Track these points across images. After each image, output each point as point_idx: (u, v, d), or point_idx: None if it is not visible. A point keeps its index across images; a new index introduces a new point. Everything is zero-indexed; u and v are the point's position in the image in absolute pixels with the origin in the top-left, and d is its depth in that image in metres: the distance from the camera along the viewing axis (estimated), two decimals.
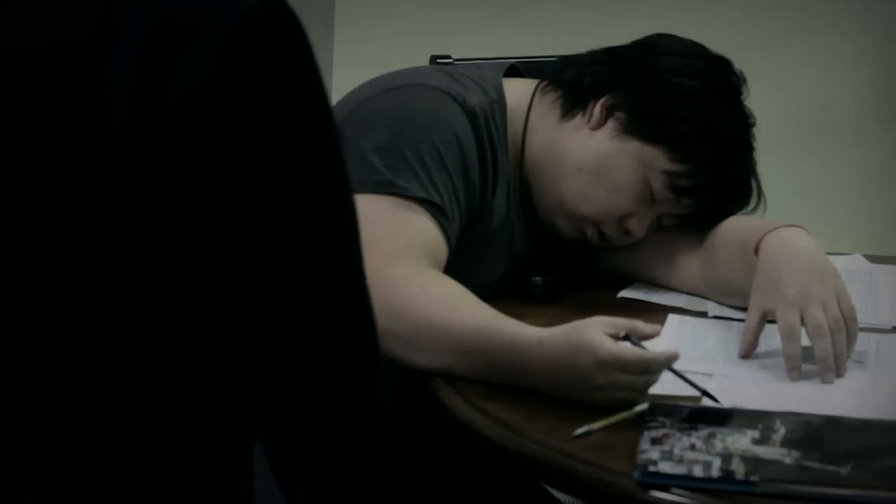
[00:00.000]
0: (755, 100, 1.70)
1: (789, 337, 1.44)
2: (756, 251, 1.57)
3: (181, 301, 0.85)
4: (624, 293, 1.75)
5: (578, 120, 1.66)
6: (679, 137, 1.63)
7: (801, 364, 1.42)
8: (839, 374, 1.43)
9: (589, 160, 1.64)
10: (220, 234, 0.84)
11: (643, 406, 1.29)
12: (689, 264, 1.72)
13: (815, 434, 1.22)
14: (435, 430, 1.48)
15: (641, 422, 1.25)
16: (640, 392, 1.31)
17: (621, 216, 1.66)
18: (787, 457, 1.17)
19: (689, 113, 1.63)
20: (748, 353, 1.49)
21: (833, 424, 1.25)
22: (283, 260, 0.87)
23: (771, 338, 1.49)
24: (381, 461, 1.62)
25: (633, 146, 1.63)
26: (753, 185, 1.69)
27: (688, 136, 1.63)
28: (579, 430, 1.25)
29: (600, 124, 1.65)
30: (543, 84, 1.72)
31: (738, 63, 1.70)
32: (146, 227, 0.83)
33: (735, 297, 1.64)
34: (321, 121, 0.90)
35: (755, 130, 1.70)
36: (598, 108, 1.65)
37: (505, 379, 1.37)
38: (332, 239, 0.90)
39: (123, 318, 0.85)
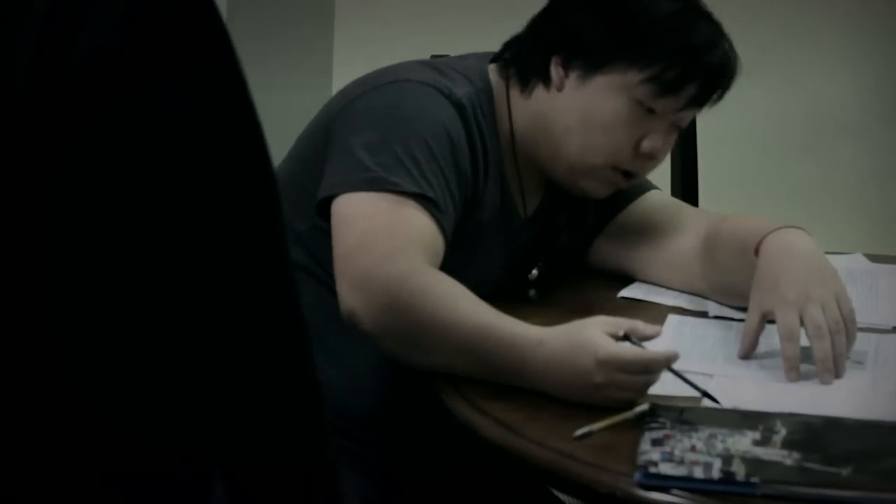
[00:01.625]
0: (755, 100, 1.70)
1: (788, 338, 1.44)
2: (756, 252, 1.57)
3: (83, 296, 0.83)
4: (624, 293, 1.75)
5: (542, 88, 1.66)
6: (632, 46, 1.61)
7: (799, 365, 1.42)
8: (838, 375, 1.43)
9: (572, 117, 1.63)
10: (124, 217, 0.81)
11: (644, 406, 1.29)
12: (690, 264, 1.72)
13: (815, 435, 1.22)
14: (435, 429, 1.48)
15: (642, 422, 1.25)
16: (640, 392, 1.31)
17: (633, 146, 1.64)
18: (788, 458, 1.17)
19: (626, 22, 1.62)
20: (748, 353, 1.49)
21: (833, 425, 1.25)
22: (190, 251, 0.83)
23: (771, 338, 1.49)
24: (382, 461, 1.62)
25: (600, 82, 1.62)
26: (726, 46, 1.66)
27: (640, 39, 1.61)
28: (580, 431, 1.25)
29: (562, 81, 1.64)
30: (500, 65, 1.71)
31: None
32: (47, 214, 0.80)
33: (735, 298, 1.63)
34: (234, 88, 0.85)
35: (755, 130, 1.69)
36: (554, 70, 1.65)
37: (505, 379, 1.37)
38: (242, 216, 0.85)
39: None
